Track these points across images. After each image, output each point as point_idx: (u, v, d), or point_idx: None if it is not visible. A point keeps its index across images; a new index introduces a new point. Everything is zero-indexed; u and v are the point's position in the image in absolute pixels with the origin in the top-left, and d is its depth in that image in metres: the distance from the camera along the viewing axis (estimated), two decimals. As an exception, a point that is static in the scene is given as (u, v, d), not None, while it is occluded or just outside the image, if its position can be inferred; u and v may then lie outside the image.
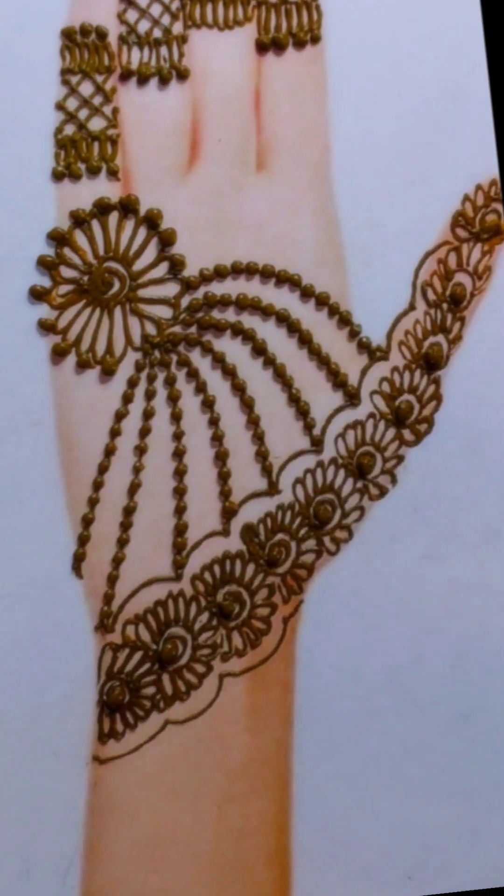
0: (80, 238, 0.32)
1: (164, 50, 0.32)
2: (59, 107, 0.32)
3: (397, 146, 0.34)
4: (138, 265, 0.33)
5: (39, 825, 0.33)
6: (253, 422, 0.34)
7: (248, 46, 0.33)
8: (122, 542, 0.33)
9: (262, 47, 0.33)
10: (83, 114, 0.32)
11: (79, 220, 0.32)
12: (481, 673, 0.36)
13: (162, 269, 0.33)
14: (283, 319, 0.34)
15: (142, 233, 0.33)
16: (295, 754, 0.35)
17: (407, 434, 0.35)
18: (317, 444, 0.34)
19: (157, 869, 0.34)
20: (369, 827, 0.35)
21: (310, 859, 0.35)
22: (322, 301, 0.34)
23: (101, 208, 0.32)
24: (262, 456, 0.34)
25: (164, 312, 0.33)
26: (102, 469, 0.33)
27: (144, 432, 0.33)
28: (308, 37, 0.33)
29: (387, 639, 0.35)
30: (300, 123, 0.33)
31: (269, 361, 0.34)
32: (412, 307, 0.34)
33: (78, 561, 0.33)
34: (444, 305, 0.35)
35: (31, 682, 0.33)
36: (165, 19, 0.33)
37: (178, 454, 0.34)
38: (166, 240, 0.33)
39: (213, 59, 0.33)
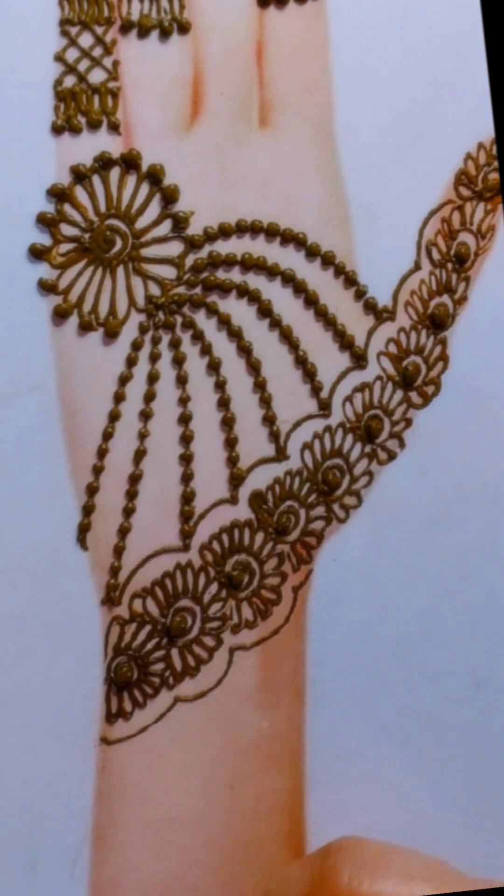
0: (80, 194, 0.31)
1: (164, 2, 0.31)
2: (59, 58, 0.31)
3: (399, 103, 0.33)
4: (141, 223, 0.32)
5: (45, 814, 0.32)
6: (259, 385, 0.33)
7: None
8: (128, 512, 0.32)
9: (263, 1, 0.32)
10: (83, 66, 0.31)
11: (79, 175, 0.31)
12: (492, 640, 0.35)
13: (165, 228, 0.32)
14: (289, 279, 0.33)
15: (144, 189, 0.32)
16: (307, 729, 0.34)
17: (414, 397, 0.34)
18: (324, 408, 0.34)
19: (169, 854, 0.33)
20: (382, 804, 0.34)
21: (324, 839, 0.34)
22: (328, 260, 0.33)
23: (103, 163, 0.31)
24: (269, 420, 0.33)
25: (167, 272, 0.32)
26: (107, 436, 0.32)
27: (149, 397, 0.32)
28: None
29: (397, 607, 0.35)
30: (303, 79, 0.33)
31: (276, 323, 0.33)
32: (417, 267, 0.34)
33: (83, 532, 0.32)
34: (449, 265, 0.34)
35: (34, 661, 0.31)
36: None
37: (184, 420, 0.32)
38: (169, 196, 0.32)
39: (214, 12, 0.32)
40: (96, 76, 0.31)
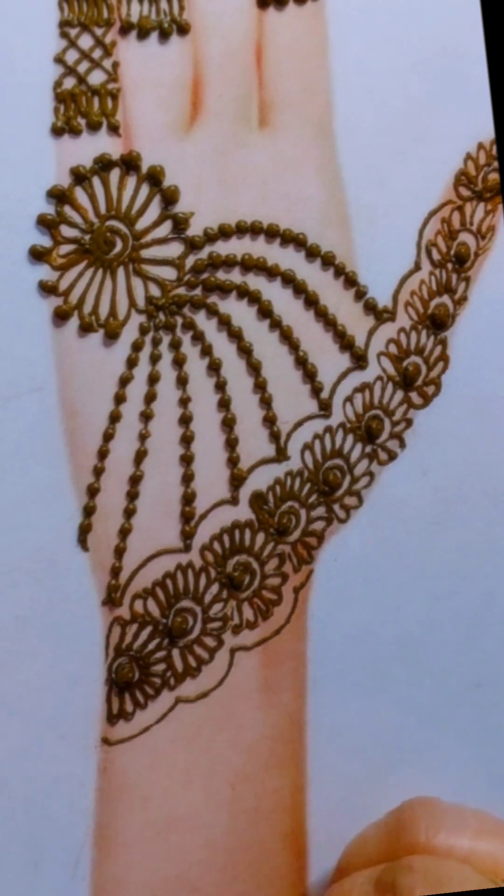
0: (80, 196, 0.31)
1: (164, 3, 0.31)
2: (58, 60, 0.31)
3: (399, 103, 0.33)
4: (141, 224, 0.32)
5: (47, 814, 0.32)
6: (260, 386, 0.33)
7: (249, 0, 0.32)
8: (129, 513, 0.32)
9: (262, 2, 0.32)
10: (83, 67, 0.31)
11: (79, 176, 0.31)
12: (493, 640, 0.35)
13: (165, 229, 0.32)
14: (290, 280, 0.33)
15: (144, 191, 0.32)
16: (308, 729, 0.34)
17: (415, 397, 0.34)
18: (325, 409, 0.34)
19: (171, 854, 0.33)
20: (384, 803, 0.34)
21: (326, 839, 0.34)
22: (328, 261, 0.33)
23: (103, 164, 0.31)
24: (269, 421, 0.33)
25: (167, 273, 0.32)
26: (107, 437, 0.32)
27: (150, 398, 0.32)
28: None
29: (398, 607, 0.35)
30: (302, 79, 0.33)
31: (276, 323, 0.33)
32: (417, 267, 0.34)
33: (84, 533, 0.32)
34: (449, 265, 0.34)
35: (36, 662, 0.32)
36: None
37: (185, 420, 0.32)
38: (169, 198, 0.32)
39: (213, 13, 0.32)
40: (96, 78, 0.31)
